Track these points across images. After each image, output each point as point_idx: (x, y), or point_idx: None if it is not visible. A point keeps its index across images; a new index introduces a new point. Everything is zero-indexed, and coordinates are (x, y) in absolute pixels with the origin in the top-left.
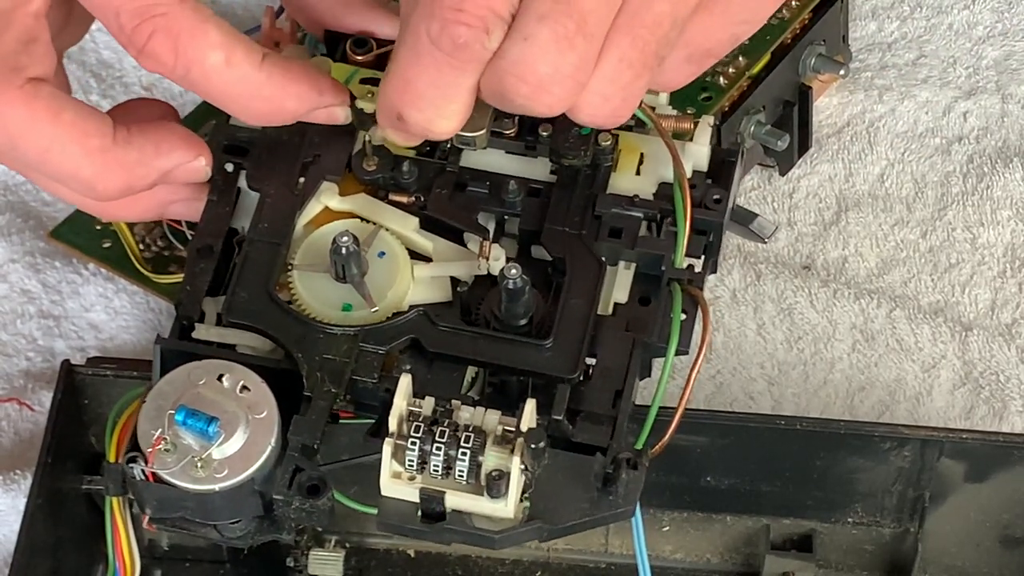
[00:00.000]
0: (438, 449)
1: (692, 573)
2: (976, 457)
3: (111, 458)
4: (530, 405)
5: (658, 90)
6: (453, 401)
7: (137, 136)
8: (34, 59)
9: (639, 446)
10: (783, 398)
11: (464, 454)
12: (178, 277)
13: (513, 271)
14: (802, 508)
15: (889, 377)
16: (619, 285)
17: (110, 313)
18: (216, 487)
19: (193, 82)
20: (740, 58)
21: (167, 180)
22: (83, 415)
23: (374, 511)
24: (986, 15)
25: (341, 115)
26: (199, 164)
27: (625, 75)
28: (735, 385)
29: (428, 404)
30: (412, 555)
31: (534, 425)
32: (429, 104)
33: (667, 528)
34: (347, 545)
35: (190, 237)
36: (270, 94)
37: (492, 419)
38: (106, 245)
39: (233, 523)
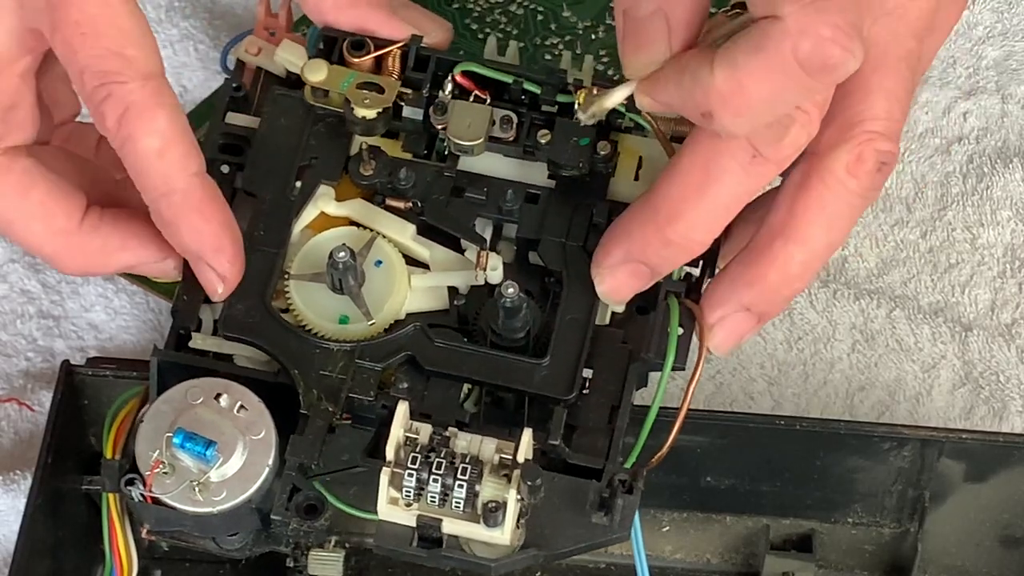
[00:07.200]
0: (435, 479)
1: (692, 573)
2: (976, 457)
3: (108, 455)
4: (526, 436)
5: None
6: (450, 428)
7: (107, 224)
8: (12, 127)
9: (630, 463)
10: (783, 398)
11: (461, 485)
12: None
13: (510, 290)
14: (802, 508)
15: (889, 377)
16: None
17: (110, 313)
18: (215, 509)
19: (124, 155)
20: None
21: (129, 271)
22: (83, 415)
23: (371, 516)
24: (986, 15)
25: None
26: (166, 266)
27: None
28: (735, 385)
29: (425, 432)
30: None
31: (531, 455)
32: (756, 115)
33: (667, 528)
34: (347, 545)
35: None
36: (181, 204)
37: (489, 448)
38: None
39: (231, 536)
